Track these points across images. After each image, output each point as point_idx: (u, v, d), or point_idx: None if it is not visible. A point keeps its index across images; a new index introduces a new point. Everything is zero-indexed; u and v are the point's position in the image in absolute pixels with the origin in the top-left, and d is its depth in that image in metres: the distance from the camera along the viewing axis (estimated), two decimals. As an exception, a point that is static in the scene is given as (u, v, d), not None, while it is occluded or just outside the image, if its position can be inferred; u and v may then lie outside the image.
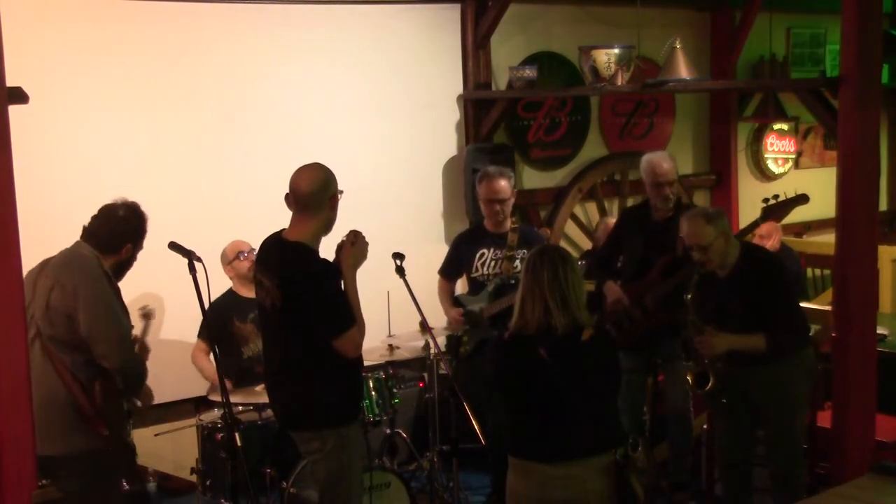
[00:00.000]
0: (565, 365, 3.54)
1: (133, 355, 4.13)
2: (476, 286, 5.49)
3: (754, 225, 5.51)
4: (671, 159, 5.40)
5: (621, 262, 5.57)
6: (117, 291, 4.13)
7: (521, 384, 3.64)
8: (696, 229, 4.46)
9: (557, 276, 3.57)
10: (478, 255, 5.46)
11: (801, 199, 5.18)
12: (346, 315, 3.85)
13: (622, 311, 5.32)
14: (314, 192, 3.88)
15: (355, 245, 3.97)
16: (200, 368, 5.43)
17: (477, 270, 5.47)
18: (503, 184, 5.37)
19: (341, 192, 3.98)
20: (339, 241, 4.02)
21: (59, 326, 4.03)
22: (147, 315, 4.45)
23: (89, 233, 4.16)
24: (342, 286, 3.94)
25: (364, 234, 4.07)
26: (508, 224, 5.43)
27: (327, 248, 4.05)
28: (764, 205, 5.20)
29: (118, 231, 4.15)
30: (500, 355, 3.80)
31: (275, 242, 3.98)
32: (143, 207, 5.33)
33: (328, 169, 3.98)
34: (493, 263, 5.42)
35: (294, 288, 3.83)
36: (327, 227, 3.96)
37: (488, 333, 5.35)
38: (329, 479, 3.97)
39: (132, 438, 4.28)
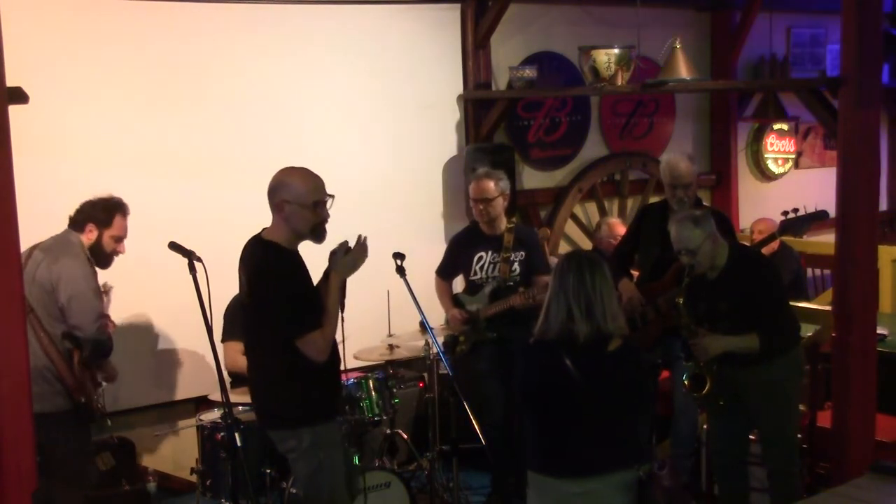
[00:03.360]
0: (586, 375, 3.42)
1: (104, 329, 4.60)
2: (474, 288, 5.49)
3: (770, 238, 5.50)
4: (690, 161, 5.30)
5: (637, 259, 5.60)
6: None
7: (541, 392, 3.53)
8: (684, 233, 4.45)
9: (584, 281, 3.46)
10: (476, 259, 5.45)
11: (821, 215, 5.19)
12: (309, 317, 3.83)
13: (636, 310, 5.33)
14: (267, 193, 3.92)
15: (350, 254, 3.96)
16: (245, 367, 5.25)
17: (475, 274, 5.46)
18: (489, 185, 5.36)
19: (331, 196, 3.92)
20: (334, 248, 4.02)
21: (43, 298, 4.49)
22: (105, 292, 4.88)
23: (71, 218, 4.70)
24: (311, 289, 3.93)
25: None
26: (504, 225, 5.43)
27: (320, 253, 4.06)
28: (783, 218, 5.18)
29: (84, 210, 4.67)
30: (523, 361, 3.68)
31: (252, 241, 4.00)
32: (143, 207, 5.36)
33: (286, 175, 3.91)
34: (490, 267, 5.42)
35: (257, 284, 3.88)
36: (298, 231, 3.90)
37: (484, 335, 5.37)
38: (309, 477, 3.98)
39: (103, 405, 4.78)
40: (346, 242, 4.01)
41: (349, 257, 3.97)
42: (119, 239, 4.70)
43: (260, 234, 3.98)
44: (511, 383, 5.37)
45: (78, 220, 4.66)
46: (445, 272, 5.67)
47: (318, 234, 3.94)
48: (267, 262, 3.88)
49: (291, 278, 3.88)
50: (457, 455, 4.97)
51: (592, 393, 3.42)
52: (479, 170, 5.60)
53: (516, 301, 5.22)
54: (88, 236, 4.64)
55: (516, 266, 5.35)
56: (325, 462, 3.96)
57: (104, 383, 4.79)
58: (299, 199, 3.86)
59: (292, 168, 3.96)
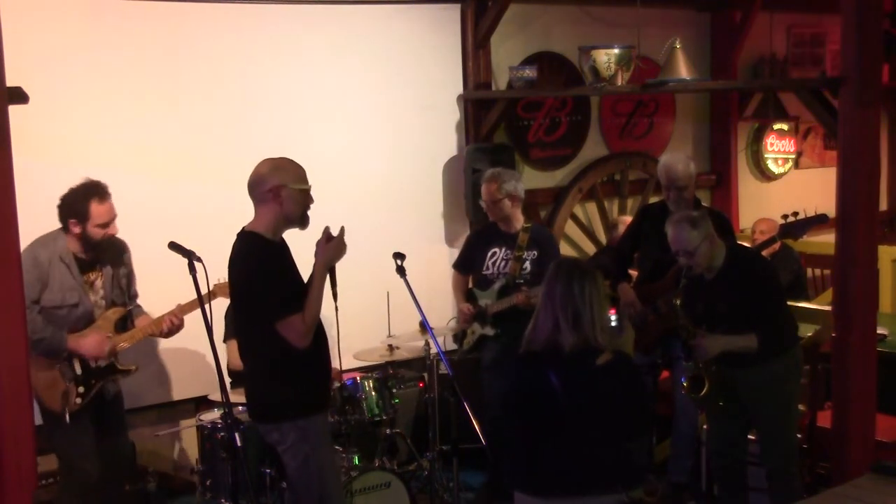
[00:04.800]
0: (571, 389, 3.26)
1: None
2: (485, 282, 5.55)
3: (771, 241, 5.51)
4: (688, 162, 5.33)
5: (637, 260, 5.61)
6: (92, 265, 4.61)
7: (526, 405, 3.38)
8: (681, 234, 4.45)
9: (572, 291, 3.31)
10: (489, 254, 5.52)
11: (821, 218, 5.19)
12: (290, 300, 3.87)
13: (634, 316, 5.35)
14: (251, 185, 4.00)
15: (331, 242, 4.00)
16: None
17: (487, 269, 5.53)
18: (492, 188, 5.42)
19: (308, 186, 3.99)
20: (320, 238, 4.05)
21: None
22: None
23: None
24: (294, 276, 3.98)
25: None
26: (520, 224, 5.46)
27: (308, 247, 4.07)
28: (783, 221, 5.16)
29: (62, 208, 4.52)
30: (513, 371, 3.54)
31: (237, 236, 4.04)
32: (143, 206, 5.35)
33: (275, 162, 4.01)
34: (503, 263, 5.47)
35: (238, 272, 3.94)
36: (287, 219, 3.97)
37: (489, 331, 5.42)
38: (297, 471, 4.01)
39: (71, 400, 4.55)
40: (327, 228, 4.04)
41: (331, 245, 4.00)
42: (104, 224, 4.53)
43: (243, 228, 4.04)
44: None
45: (61, 220, 4.55)
46: (461, 265, 5.74)
47: (304, 220, 4.02)
48: (247, 250, 3.94)
49: (272, 264, 3.93)
50: (457, 455, 4.98)
51: (577, 408, 3.25)
52: (488, 171, 5.60)
53: (518, 300, 5.25)
54: (75, 233, 4.53)
55: (527, 265, 5.39)
56: (312, 456, 3.98)
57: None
58: (296, 184, 3.95)
59: (274, 158, 4.05)
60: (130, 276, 4.86)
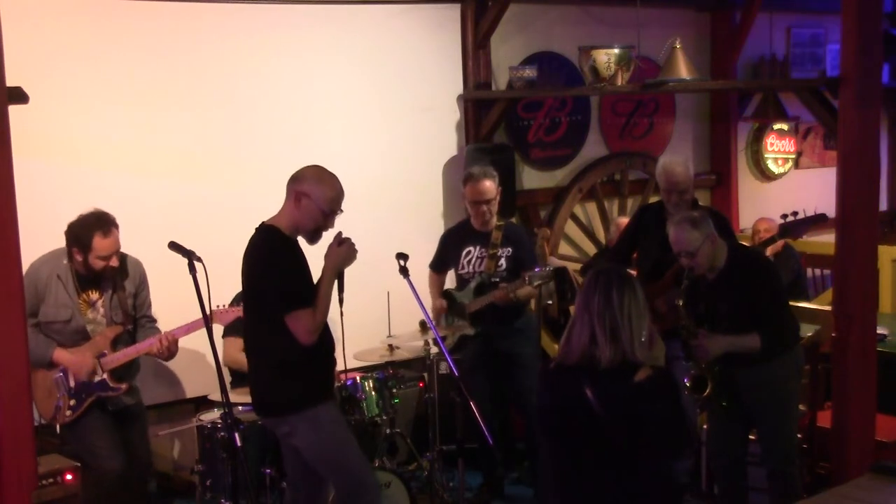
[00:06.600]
0: (607, 406, 3.07)
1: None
2: (462, 283, 5.57)
3: (771, 241, 5.50)
4: (687, 164, 5.26)
5: (635, 260, 5.60)
6: (86, 283, 4.68)
7: (559, 423, 3.21)
8: (683, 236, 4.44)
9: (611, 301, 3.11)
10: (464, 253, 5.54)
11: (820, 218, 5.18)
12: (301, 295, 3.90)
13: None
14: (290, 178, 4.02)
15: (342, 247, 4.02)
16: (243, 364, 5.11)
17: (463, 268, 5.54)
18: (488, 184, 5.40)
19: (342, 211, 4.01)
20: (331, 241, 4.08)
21: None
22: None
23: None
24: (305, 273, 4.00)
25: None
26: (494, 222, 5.46)
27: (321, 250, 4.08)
28: (782, 221, 5.18)
29: (68, 234, 4.60)
30: (541, 387, 3.34)
31: (256, 229, 4.06)
32: (144, 207, 5.35)
33: (321, 173, 4.02)
34: (477, 262, 5.48)
35: (252, 263, 3.97)
36: (297, 227, 3.99)
37: (467, 330, 5.45)
38: (318, 457, 4.04)
39: (62, 412, 4.66)
40: (340, 233, 4.07)
41: (341, 250, 4.03)
42: (105, 257, 4.59)
43: (263, 222, 4.06)
44: (495, 378, 5.46)
45: (66, 245, 4.62)
46: (437, 266, 5.75)
47: (314, 237, 4.05)
48: (263, 243, 3.97)
49: (285, 258, 3.95)
50: (462, 455, 4.98)
51: (614, 426, 3.08)
52: (474, 169, 5.56)
53: (497, 296, 5.27)
54: (77, 260, 4.61)
55: (503, 262, 5.42)
56: (328, 439, 4.02)
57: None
58: (318, 201, 3.96)
59: (326, 170, 4.05)
60: (140, 299, 4.88)
